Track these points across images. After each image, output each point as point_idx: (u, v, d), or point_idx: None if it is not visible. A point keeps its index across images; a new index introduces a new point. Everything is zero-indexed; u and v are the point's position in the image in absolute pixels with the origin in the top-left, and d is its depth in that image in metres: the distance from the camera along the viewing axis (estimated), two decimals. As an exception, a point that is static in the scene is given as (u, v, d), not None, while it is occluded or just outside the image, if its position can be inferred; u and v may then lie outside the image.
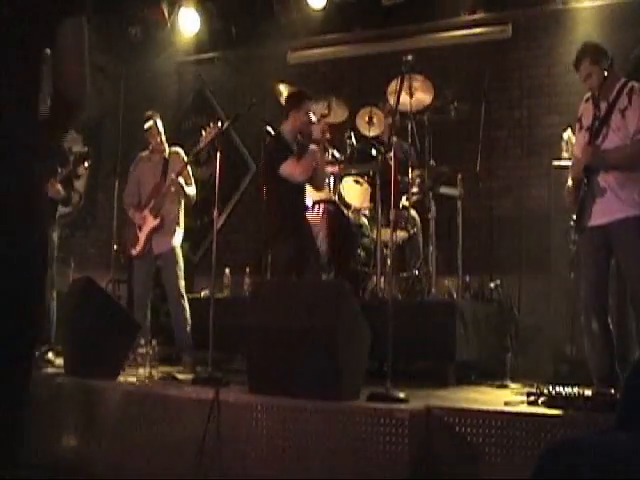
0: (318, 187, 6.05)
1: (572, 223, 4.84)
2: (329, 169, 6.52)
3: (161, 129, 6.34)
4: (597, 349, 4.62)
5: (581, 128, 4.82)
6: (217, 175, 5.31)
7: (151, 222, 6.15)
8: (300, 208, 5.90)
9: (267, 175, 5.78)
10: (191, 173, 6.34)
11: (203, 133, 5.85)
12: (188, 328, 6.08)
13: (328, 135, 5.99)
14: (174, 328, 6.13)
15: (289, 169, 5.63)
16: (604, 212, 4.57)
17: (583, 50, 4.73)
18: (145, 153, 6.45)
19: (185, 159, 6.28)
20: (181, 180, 6.17)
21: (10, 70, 1.87)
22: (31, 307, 1.92)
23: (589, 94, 4.79)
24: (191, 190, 6.29)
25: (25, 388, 1.94)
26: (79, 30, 2.01)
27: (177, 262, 6.16)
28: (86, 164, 6.17)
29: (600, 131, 4.58)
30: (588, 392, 3.89)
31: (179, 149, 6.41)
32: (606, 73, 4.58)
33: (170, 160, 6.30)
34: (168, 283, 6.19)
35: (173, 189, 6.13)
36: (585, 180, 4.60)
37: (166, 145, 6.37)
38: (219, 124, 5.79)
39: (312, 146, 5.78)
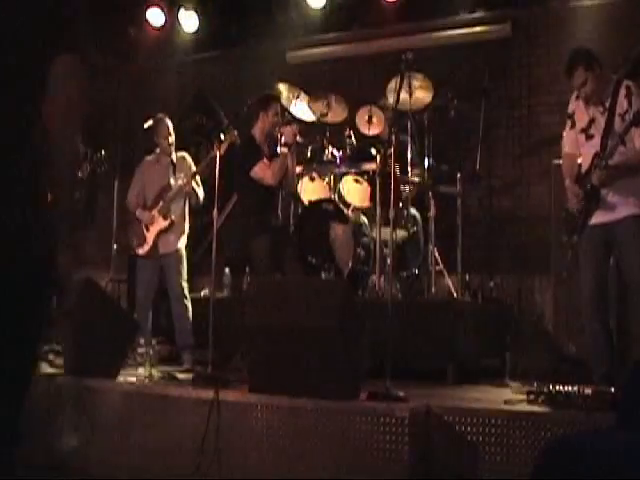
0: (290, 190, 6.11)
1: (568, 223, 4.83)
2: (298, 170, 6.56)
3: (172, 130, 6.36)
4: (598, 348, 4.62)
5: (573, 126, 4.81)
6: (217, 175, 5.31)
7: (161, 223, 6.17)
8: (274, 206, 5.95)
9: (239, 176, 5.86)
10: (199, 178, 6.36)
11: (212, 151, 5.87)
12: (189, 328, 6.08)
13: (299, 138, 6.00)
14: (176, 327, 6.14)
15: (260, 172, 5.75)
16: (608, 211, 4.57)
17: (576, 57, 4.67)
18: (152, 156, 6.46)
19: (192, 166, 6.31)
20: (194, 184, 6.22)
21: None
22: (35, 308, 1.92)
23: (577, 92, 4.77)
24: (201, 192, 6.32)
25: (26, 389, 1.94)
26: (70, 70, 1.92)
27: (181, 262, 6.18)
28: (102, 168, 6.25)
29: (605, 143, 4.54)
30: (588, 391, 3.89)
31: (186, 154, 6.43)
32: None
33: (177, 164, 6.31)
34: (171, 283, 6.20)
35: (186, 189, 6.15)
36: (589, 185, 4.61)
37: (174, 148, 6.38)
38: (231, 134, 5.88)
39: (283, 149, 5.84)
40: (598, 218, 4.61)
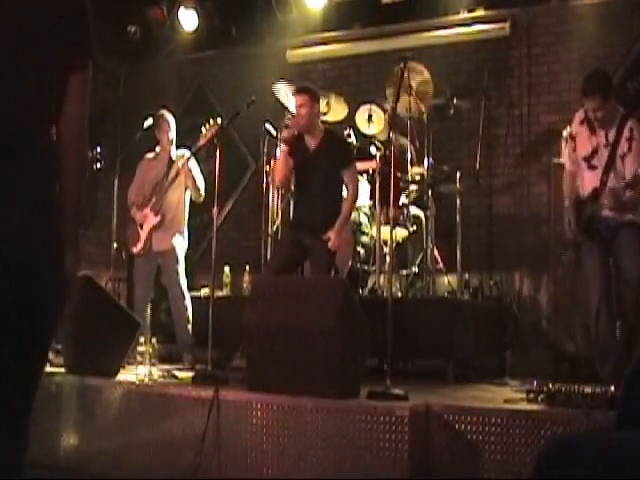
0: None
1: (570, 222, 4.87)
2: None
3: (172, 126, 6.33)
4: (606, 345, 4.66)
5: (575, 149, 4.87)
6: (217, 173, 5.31)
7: (152, 219, 6.14)
8: (296, 204, 5.75)
9: None
10: (199, 173, 6.30)
11: (203, 130, 5.83)
12: (189, 326, 6.07)
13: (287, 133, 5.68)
14: (175, 326, 6.13)
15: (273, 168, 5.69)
16: (614, 214, 4.65)
17: (597, 83, 4.67)
18: (152, 154, 6.44)
19: (191, 163, 6.25)
20: (194, 166, 6.15)
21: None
22: (46, 309, 1.92)
23: (583, 115, 4.80)
24: (201, 180, 6.24)
25: (34, 389, 1.94)
26: (84, 84, 2.03)
27: (177, 260, 6.15)
28: (99, 165, 6.23)
29: (605, 181, 4.66)
30: (588, 390, 3.90)
31: (187, 153, 6.38)
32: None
33: (176, 162, 6.28)
34: (169, 281, 6.19)
35: (184, 170, 6.08)
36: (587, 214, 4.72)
37: (174, 146, 6.35)
38: (218, 121, 5.76)
39: (282, 147, 5.59)
40: (608, 221, 4.70)
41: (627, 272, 4.64)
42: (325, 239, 5.25)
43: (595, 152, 4.74)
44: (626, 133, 4.64)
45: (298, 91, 5.53)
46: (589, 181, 4.76)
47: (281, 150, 5.57)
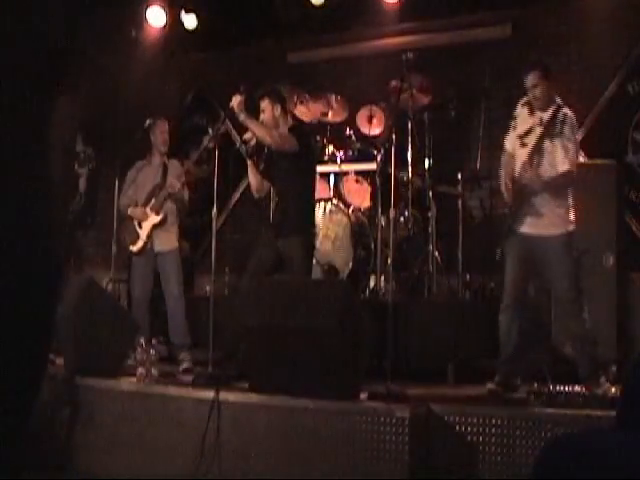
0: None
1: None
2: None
3: (167, 129, 6.33)
4: (510, 346, 4.71)
5: (515, 128, 4.98)
6: (216, 174, 5.30)
7: (153, 218, 6.13)
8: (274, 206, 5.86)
9: None
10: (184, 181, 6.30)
11: (204, 140, 5.83)
12: (186, 328, 6.05)
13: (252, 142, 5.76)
14: (170, 326, 6.10)
15: None
16: (539, 224, 4.70)
17: (535, 63, 4.89)
18: (141, 163, 6.42)
19: (183, 170, 6.24)
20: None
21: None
22: (45, 310, 1.92)
23: (526, 98, 4.89)
24: (186, 195, 6.27)
25: (36, 392, 1.94)
26: (75, 102, 2.05)
27: (177, 262, 6.15)
28: (90, 165, 6.21)
29: (534, 152, 4.72)
30: (587, 391, 3.90)
31: (177, 162, 6.37)
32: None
33: (169, 167, 6.27)
34: (167, 282, 6.17)
35: (171, 190, 6.10)
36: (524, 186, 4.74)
37: (166, 149, 6.35)
38: (224, 124, 5.79)
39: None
40: (529, 228, 4.69)
41: (555, 288, 4.75)
42: (293, 242, 5.26)
43: (529, 131, 4.83)
44: (560, 117, 4.71)
45: (259, 97, 5.54)
46: (520, 159, 4.83)
47: (248, 164, 5.69)
